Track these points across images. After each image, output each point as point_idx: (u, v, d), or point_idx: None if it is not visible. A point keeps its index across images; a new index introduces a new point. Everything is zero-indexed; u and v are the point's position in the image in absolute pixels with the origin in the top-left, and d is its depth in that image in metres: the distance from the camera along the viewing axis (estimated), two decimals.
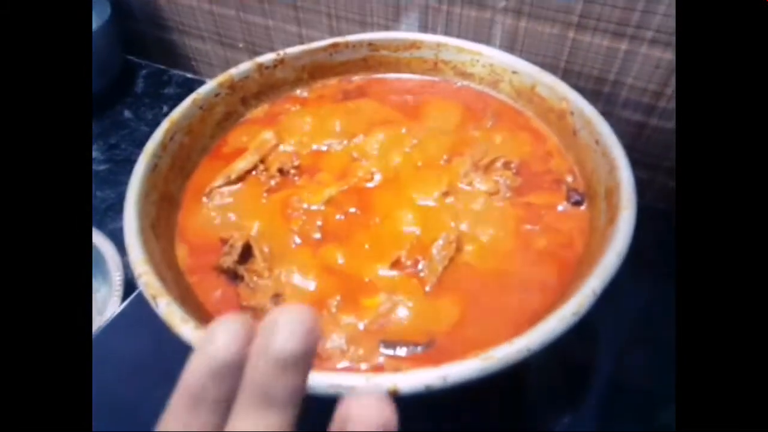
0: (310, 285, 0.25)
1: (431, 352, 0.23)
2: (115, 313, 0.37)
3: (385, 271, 0.26)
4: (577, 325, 0.20)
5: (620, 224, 0.23)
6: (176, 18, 0.55)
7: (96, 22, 0.51)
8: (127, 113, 0.56)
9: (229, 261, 0.26)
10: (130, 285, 0.39)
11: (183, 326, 0.21)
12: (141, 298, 0.22)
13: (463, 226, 0.27)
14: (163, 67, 0.60)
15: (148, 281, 0.23)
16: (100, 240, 0.43)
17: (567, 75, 0.41)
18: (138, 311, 0.37)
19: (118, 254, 0.41)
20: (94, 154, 0.53)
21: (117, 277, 0.41)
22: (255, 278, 0.26)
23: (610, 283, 0.22)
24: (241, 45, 0.53)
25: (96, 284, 0.44)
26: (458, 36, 0.37)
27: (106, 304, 0.40)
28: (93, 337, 0.36)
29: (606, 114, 0.29)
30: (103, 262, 0.42)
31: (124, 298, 0.39)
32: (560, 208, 0.28)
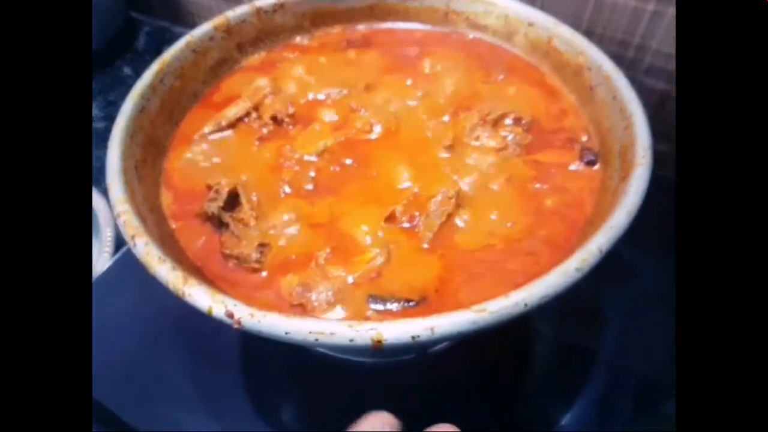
0: (299, 236, 0.24)
1: (423, 308, 0.21)
2: (104, 269, 0.37)
3: (379, 225, 0.24)
4: (580, 283, 0.19)
5: (633, 180, 0.21)
6: None
7: None
8: (127, 70, 0.55)
9: (213, 207, 0.24)
10: (120, 242, 0.39)
11: (160, 266, 0.20)
12: (130, 254, 0.21)
13: (465, 183, 0.25)
14: (165, 24, 0.59)
15: (127, 220, 0.22)
16: (93, 197, 0.42)
17: (588, 37, 0.38)
18: (127, 267, 0.36)
19: (111, 211, 0.40)
20: (93, 111, 0.52)
21: (108, 234, 0.40)
22: (241, 226, 0.24)
23: (621, 260, 0.20)
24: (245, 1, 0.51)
25: None
26: None
27: (97, 261, 0.39)
28: None
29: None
30: (96, 219, 0.41)
31: (114, 255, 0.38)
32: (572, 167, 0.26)
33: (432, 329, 0.17)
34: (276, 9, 0.32)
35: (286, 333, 0.17)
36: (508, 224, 0.24)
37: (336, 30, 0.34)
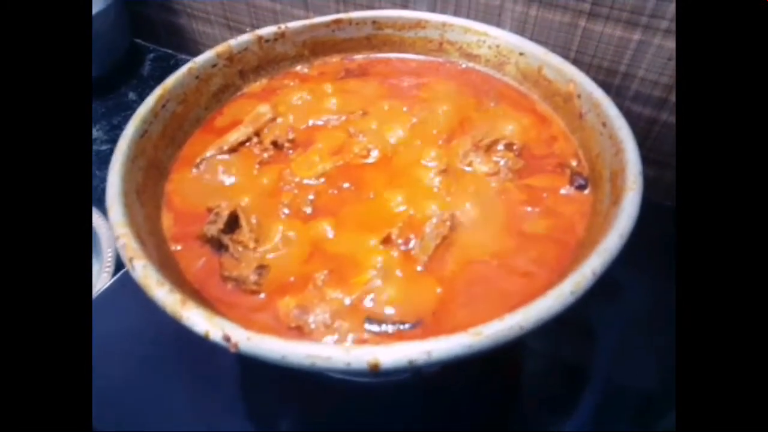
0: (297, 258, 0.24)
1: (419, 331, 0.22)
2: (103, 288, 0.37)
3: (375, 248, 0.25)
4: (574, 306, 0.19)
5: (624, 205, 0.22)
6: (184, 1, 0.55)
7: (102, 4, 0.51)
8: (132, 95, 0.56)
9: (213, 229, 0.25)
10: (120, 262, 0.39)
11: (158, 289, 0.20)
12: (129, 274, 0.21)
13: (459, 206, 0.26)
14: (170, 51, 0.60)
15: (126, 243, 0.22)
16: (95, 217, 0.42)
17: (577, 66, 0.39)
18: (126, 287, 0.36)
19: (112, 232, 0.41)
20: (97, 134, 0.53)
21: (108, 254, 0.40)
22: (240, 248, 0.25)
23: (612, 282, 0.20)
24: (248, 29, 0.53)
25: None
26: None
27: (97, 280, 0.39)
28: None
29: None
30: (97, 240, 0.42)
31: (114, 275, 0.38)
32: (563, 191, 0.27)
33: (429, 353, 0.17)
34: (277, 38, 0.34)
35: (283, 357, 0.17)
36: (502, 246, 0.25)
37: (335, 59, 0.35)
